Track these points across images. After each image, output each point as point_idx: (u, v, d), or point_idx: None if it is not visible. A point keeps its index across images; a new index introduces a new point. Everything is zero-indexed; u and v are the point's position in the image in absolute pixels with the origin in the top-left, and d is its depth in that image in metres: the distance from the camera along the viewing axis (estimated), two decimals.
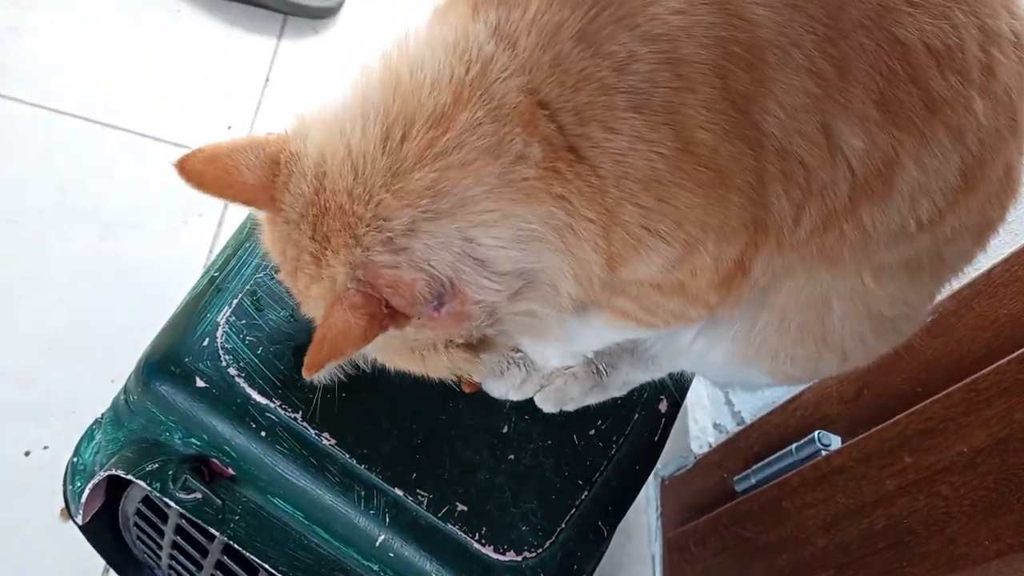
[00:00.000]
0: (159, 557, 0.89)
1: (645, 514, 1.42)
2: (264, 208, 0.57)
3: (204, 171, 0.55)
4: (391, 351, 0.60)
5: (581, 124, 0.48)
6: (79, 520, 0.82)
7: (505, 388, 0.75)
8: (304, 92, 1.59)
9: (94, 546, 0.90)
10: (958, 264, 0.61)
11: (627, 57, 0.47)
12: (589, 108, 0.48)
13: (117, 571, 0.99)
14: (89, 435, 0.82)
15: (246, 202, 0.57)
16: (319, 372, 0.52)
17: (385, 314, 0.51)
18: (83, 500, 0.77)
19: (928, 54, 0.49)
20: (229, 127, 1.52)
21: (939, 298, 0.92)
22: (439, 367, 0.60)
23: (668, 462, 1.42)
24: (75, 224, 1.35)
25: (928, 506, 0.82)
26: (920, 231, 0.55)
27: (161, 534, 0.81)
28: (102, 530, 0.89)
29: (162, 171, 1.54)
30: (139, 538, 0.90)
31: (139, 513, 0.82)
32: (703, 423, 1.38)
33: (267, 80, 1.60)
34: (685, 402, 1.41)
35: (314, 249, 0.53)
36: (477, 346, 0.58)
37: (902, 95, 0.49)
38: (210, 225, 1.41)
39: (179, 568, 0.88)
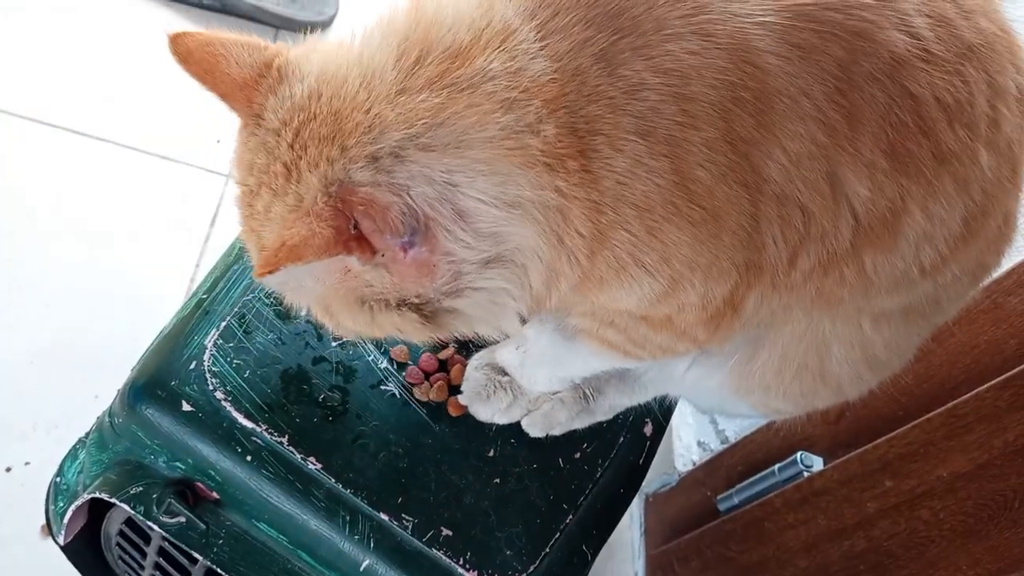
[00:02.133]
0: None
1: (629, 531, 1.42)
2: (239, 108, 0.54)
3: (193, 51, 0.54)
4: (339, 298, 0.55)
5: (592, 134, 0.48)
6: (61, 540, 0.81)
7: (491, 411, 0.75)
8: None
9: (75, 566, 0.89)
10: (952, 308, 0.62)
11: (638, 84, 0.47)
12: (598, 121, 0.48)
13: None
14: (73, 454, 0.82)
15: (223, 95, 0.54)
16: (271, 277, 0.48)
17: (352, 235, 0.48)
18: (65, 521, 0.77)
19: (939, 107, 0.50)
20: (218, 141, 1.51)
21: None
22: (386, 324, 0.55)
23: (652, 479, 1.43)
24: (64, 237, 1.34)
25: (908, 529, 0.83)
26: (923, 278, 0.56)
27: (144, 555, 0.81)
28: (84, 550, 0.89)
29: (150, 184, 1.53)
30: (121, 558, 0.89)
31: (122, 534, 0.82)
32: (687, 441, 1.39)
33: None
34: (670, 421, 1.42)
35: (288, 159, 0.50)
36: (428, 319, 0.55)
37: (911, 145, 0.50)
38: (197, 239, 1.41)
39: None
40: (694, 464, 1.35)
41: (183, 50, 0.54)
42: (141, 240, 1.38)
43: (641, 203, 0.49)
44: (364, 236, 0.48)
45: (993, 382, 0.78)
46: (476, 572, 0.68)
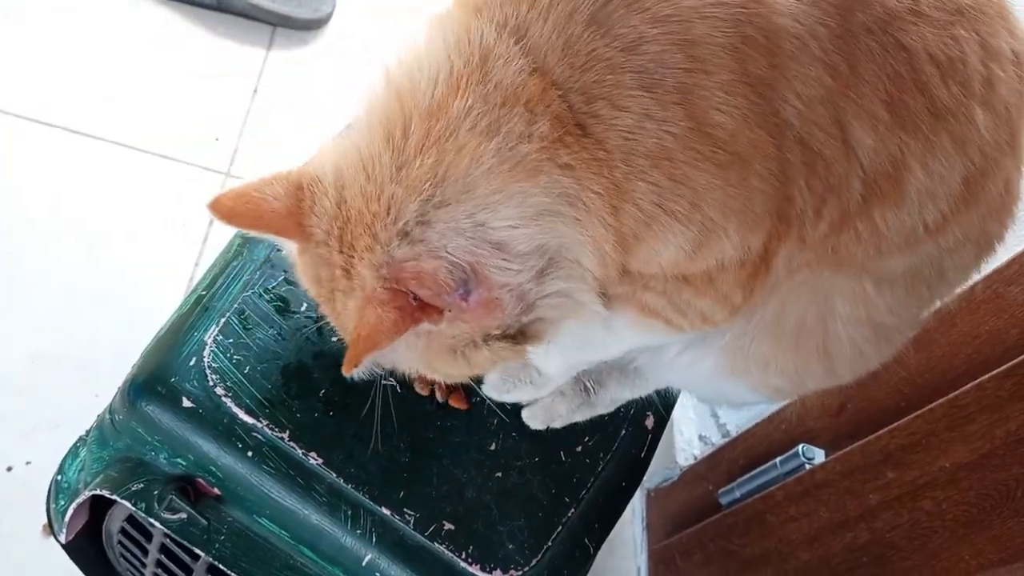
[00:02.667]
0: None
1: (631, 526, 1.42)
2: (295, 236, 0.57)
3: (234, 207, 0.57)
4: (433, 354, 0.59)
5: (588, 103, 0.49)
6: (62, 539, 0.81)
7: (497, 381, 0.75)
8: (293, 103, 1.59)
9: (77, 564, 0.89)
10: (956, 278, 0.62)
11: (637, 39, 0.47)
12: (597, 87, 0.48)
13: None
14: (73, 452, 0.81)
15: (277, 232, 0.58)
16: (357, 368, 0.53)
17: (415, 307, 0.51)
18: (67, 519, 0.76)
19: (931, 62, 0.50)
20: (216, 139, 1.52)
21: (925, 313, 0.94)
22: (484, 362, 0.59)
23: (654, 473, 1.43)
24: (63, 237, 1.34)
25: (911, 521, 0.83)
26: (928, 236, 0.55)
27: (145, 552, 0.80)
28: (85, 548, 0.88)
29: (148, 183, 1.53)
30: (123, 556, 0.89)
31: (123, 532, 0.82)
32: (689, 435, 1.39)
33: (255, 91, 1.60)
34: (671, 414, 1.42)
35: (343, 262, 0.54)
36: (517, 337, 0.58)
37: (908, 99, 0.50)
38: (196, 237, 1.41)
39: None
40: (695, 458, 1.35)
41: (226, 211, 0.57)
42: (140, 239, 1.38)
43: (656, 152, 0.49)
44: (426, 303, 0.52)
45: (995, 372, 0.78)
46: (479, 566, 0.68)
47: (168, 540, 0.75)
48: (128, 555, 0.87)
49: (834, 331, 0.61)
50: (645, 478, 1.46)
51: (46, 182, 1.39)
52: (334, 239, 0.54)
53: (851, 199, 0.52)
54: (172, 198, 1.44)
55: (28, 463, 1.15)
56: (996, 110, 0.54)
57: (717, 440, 1.34)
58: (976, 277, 0.86)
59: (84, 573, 0.93)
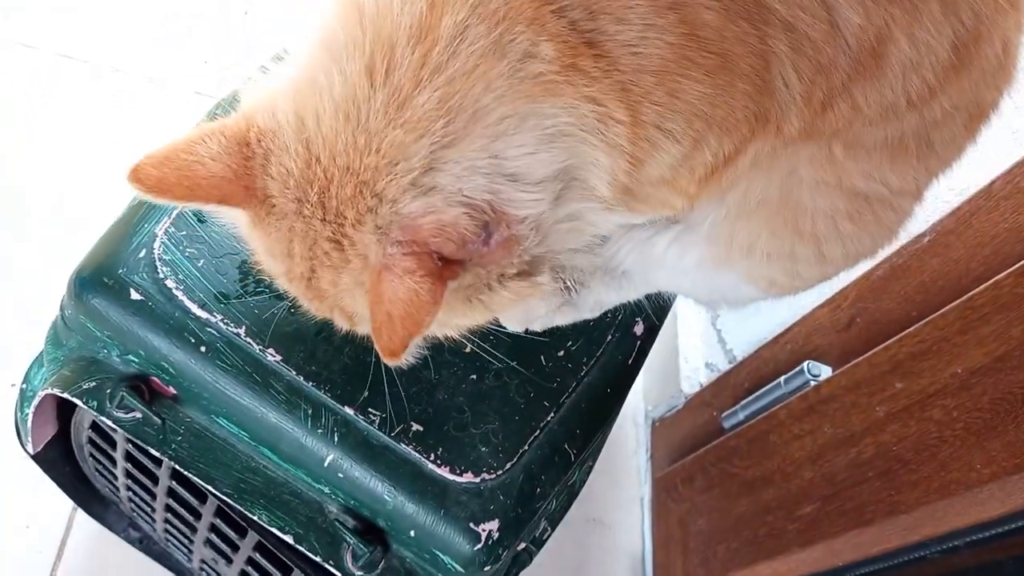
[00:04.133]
0: (118, 489, 0.86)
1: (635, 456, 1.39)
2: (242, 203, 0.49)
3: (163, 176, 0.47)
4: (447, 312, 0.53)
5: (592, 19, 0.44)
6: (30, 448, 0.79)
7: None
8: (286, 24, 1.53)
9: (52, 478, 0.88)
10: (947, 152, 0.56)
11: None
12: (597, 1, 0.44)
13: (81, 506, 0.97)
14: (38, 360, 0.79)
15: (220, 200, 0.48)
16: (404, 354, 0.47)
17: (441, 268, 0.46)
18: (29, 425, 0.74)
19: None
20: (205, 62, 1.47)
21: (936, 217, 0.88)
22: (504, 304, 0.54)
23: (659, 403, 1.38)
24: (54, 160, 1.31)
25: (919, 432, 0.78)
26: (910, 109, 0.51)
27: (114, 463, 0.78)
28: (59, 462, 0.87)
29: (134, 107, 1.49)
30: (97, 470, 0.87)
31: (92, 442, 0.79)
32: (694, 363, 1.34)
33: (246, 12, 1.54)
34: (676, 342, 1.37)
35: (331, 232, 0.47)
36: (530, 270, 0.53)
37: None
38: None
39: (138, 500, 0.85)
40: (701, 386, 1.30)
41: (153, 182, 0.47)
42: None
43: (658, 67, 0.45)
44: (450, 260, 0.46)
45: (1012, 268, 0.72)
46: (448, 468, 0.64)
47: (131, 447, 0.72)
48: (101, 468, 0.85)
49: (800, 200, 0.55)
50: (649, 408, 1.43)
51: (33, 104, 1.35)
52: (312, 206, 0.46)
53: (837, 79, 0.48)
54: (161, 122, 1.40)
55: (12, 385, 1.13)
56: None
57: (723, 367, 1.29)
58: (996, 171, 0.80)
59: (62, 489, 0.91)
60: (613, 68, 0.45)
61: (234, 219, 0.55)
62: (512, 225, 0.48)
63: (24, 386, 0.79)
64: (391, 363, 0.47)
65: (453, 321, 0.55)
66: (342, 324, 0.55)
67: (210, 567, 0.88)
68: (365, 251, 0.47)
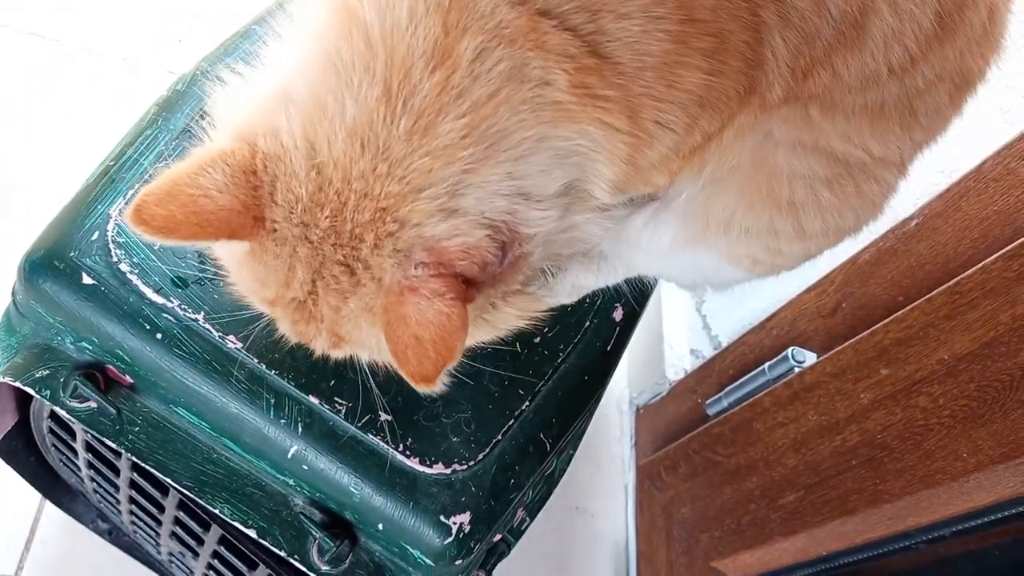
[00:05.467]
0: (83, 480, 0.83)
1: (619, 444, 1.37)
2: (249, 237, 0.46)
3: (169, 214, 0.44)
4: None
5: (593, 19, 0.43)
6: None
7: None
8: (264, 4, 1.49)
9: (15, 469, 0.85)
10: (931, 123, 0.54)
11: None
12: (598, 1, 0.43)
13: (47, 497, 0.95)
14: None
15: (230, 236, 0.46)
16: (439, 380, 0.45)
17: (465, 291, 0.45)
18: None
19: None
20: (180, 40, 1.43)
21: (924, 200, 0.86)
22: (509, 320, 0.53)
23: (643, 390, 1.36)
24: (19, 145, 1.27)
25: (904, 419, 0.76)
26: (891, 77, 0.49)
27: (76, 453, 0.75)
28: (21, 452, 0.84)
29: (104, 88, 1.45)
30: (61, 461, 0.84)
31: (52, 432, 0.76)
32: (679, 349, 1.32)
33: None
34: (661, 328, 1.35)
35: (342, 256, 0.45)
36: (527, 283, 0.53)
37: None
38: None
39: (102, 492, 0.82)
40: (686, 372, 1.28)
41: (160, 222, 0.43)
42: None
43: (658, 59, 0.44)
44: (470, 281, 0.46)
45: (1001, 252, 0.69)
46: (417, 459, 0.62)
47: (90, 437, 0.70)
48: (64, 459, 0.82)
49: (775, 164, 0.53)
50: (634, 395, 1.41)
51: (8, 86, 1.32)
52: (322, 231, 0.44)
53: (820, 49, 0.47)
54: (136, 102, 1.36)
55: None
56: None
57: (708, 353, 1.27)
58: (986, 152, 0.78)
59: (26, 480, 0.89)
60: (617, 74, 0.44)
61: (215, 246, 0.52)
62: (524, 244, 0.48)
63: None
64: (424, 390, 0.45)
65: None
66: (322, 347, 0.53)
67: (179, 560, 0.86)
68: (380, 274, 0.45)
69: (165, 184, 0.44)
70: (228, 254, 0.53)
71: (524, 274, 0.51)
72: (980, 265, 0.71)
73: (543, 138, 0.44)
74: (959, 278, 0.73)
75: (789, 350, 0.95)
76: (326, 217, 0.44)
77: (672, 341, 1.32)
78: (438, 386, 0.46)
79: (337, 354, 0.54)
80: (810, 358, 0.94)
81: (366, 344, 0.51)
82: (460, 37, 0.42)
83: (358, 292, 0.46)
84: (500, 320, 0.53)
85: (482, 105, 0.42)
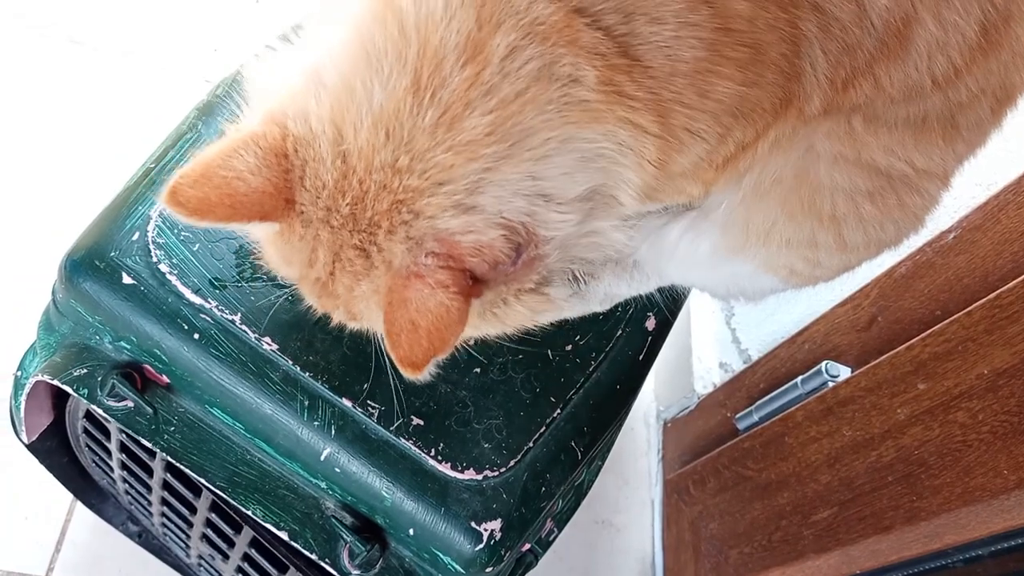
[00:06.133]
0: (115, 481, 0.84)
1: (646, 458, 1.36)
2: (283, 218, 0.47)
3: (204, 196, 0.44)
4: None
5: (626, 21, 0.43)
6: (24, 438, 0.77)
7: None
8: (298, 13, 1.51)
9: (48, 468, 0.86)
10: (973, 136, 0.53)
11: None
12: (632, 2, 0.42)
13: (78, 497, 0.96)
14: (33, 348, 0.77)
15: (263, 218, 0.46)
16: (425, 370, 0.45)
17: (471, 287, 0.45)
18: (22, 414, 0.72)
19: None
20: (215, 50, 1.45)
21: (962, 212, 0.84)
22: (518, 318, 0.53)
23: (671, 403, 1.35)
24: (60, 149, 1.30)
25: (943, 435, 0.75)
26: (935, 89, 0.48)
27: (110, 454, 0.76)
28: (56, 452, 0.85)
29: (142, 95, 1.47)
30: (94, 462, 0.85)
31: (87, 432, 0.77)
32: (708, 363, 1.30)
33: (257, 1, 1.53)
34: (689, 341, 1.34)
35: (359, 240, 0.45)
36: (543, 283, 0.52)
37: None
38: None
39: (134, 493, 0.83)
40: (714, 386, 1.27)
41: (195, 203, 0.44)
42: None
43: (691, 67, 0.44)
44: (479, 279, 0.46)
45: None
46: (449, 464, 0.62)
47: (125, 437, 0.70)
48: (98, 460, 0.83)
49: (817, 177, 0.52)
50: (662, 408, 1.40)
51: (37, 92, 1.34)
52: (342, 217, 0.45)
53: (862, 59, 0.47)
54: (171, 110, 1.38)
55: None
56: None
57: (738, 367, 1.25)
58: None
59: (58, 479, 0.90)
60: (647, 77, 0.43)
61: (247, 226, 0.52)
62: (540, 245, 0.47)
63: (19, 374, 0.77)
64: (410, 377, 0.45)
65: (468, 335, 0.54)
66: (342, 320, 0.53)
67: (207, 563, 0.86)
68: (391, 258, 0.45)
69: (199, 166, 0.45)
70: (260, 230, 0.53)
71: (539, 274, 0.50)
72: (1021, 278, 0.70)
73: (568, 139, 0.44)
74: (999, 291, 0.72)
75: (823, 364, 0.93)
76: (347, 204, 0.45)
77: (701, 354, 1.31)
78: (424, 375, 0.46)
79: (355, 325, 0.54)
80: (844, 372, 0.93)
81: (375, 325, 0.52)
82: (493, 32, 0.41)
83: (371, 275, 0.47)
84: (509, 317, 0.52)
85: (509, 103, 0.42)
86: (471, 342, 0.62)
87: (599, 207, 0.49)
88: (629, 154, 0.46)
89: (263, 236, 0.53)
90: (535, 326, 0.56)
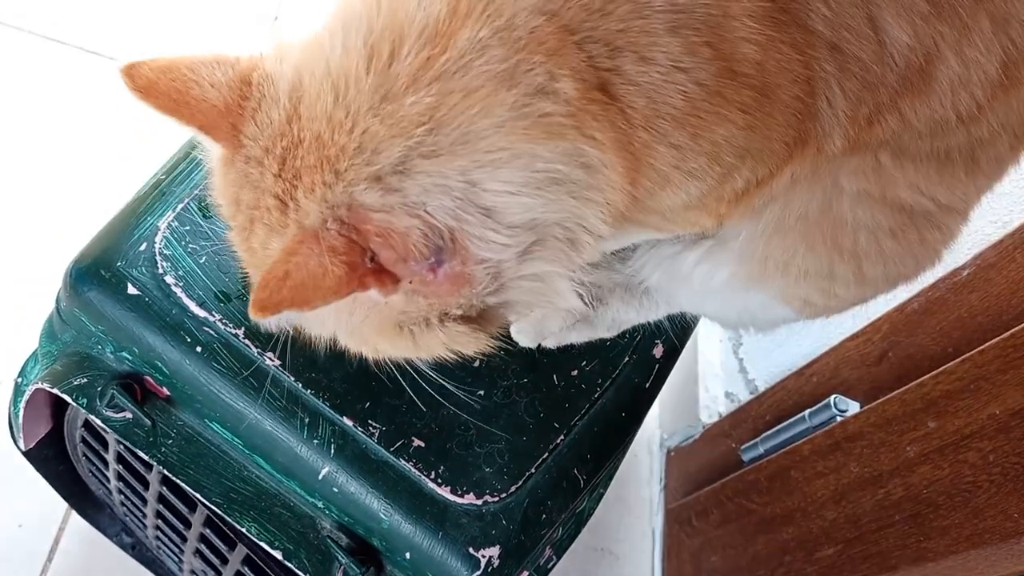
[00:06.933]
0: (111, 492, 0.83)
1: (648, 486, 1.34)
2: (222, 139, 0.47)
3: (157, 81, 0.46)
4: (371, 328, 0.50)
5: (612, 56, 0.42)
6: (21, 445, 0.76)
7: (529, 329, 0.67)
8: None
9: (45, 477, 0.85)
10: (993, 171, 0.53)
11: None
12: (622, 35, 0.41)
13: (74, 507, 0.95)
14: (35, 354, 0.76)
15: (202, 127, 0.47)
16: (271, 317, 0.42)
17: (369, 268, 0.43)
18: (20, 421, 0.71)
19: None
20: (276, 18, 1.46)
21: (976, 250, 0.84)
22: (433, 345, 0.51)
23: (675, 432, 1.34)
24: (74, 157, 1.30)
25: (952, 475, 0.73)
26: (959, 125, 0.48)
27: (106, 464, 0.75)
28: (52, 460, 0.84)
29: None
30: (91, 471, 0.84)
31: (84, 441, 0.77)
32: (714, 392, 1.29)
33: (276, 17, 1.54)
34: (696, 369, 1.33)
35: (280, 190, 0.44)
36: (477, 319, 0.50)
37: None
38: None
39: (129, 505, 0.82)
40: (720, 416, 1.25)
41: (143, 83, 0.46)
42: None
43: (682, 109, 0.43)
44: (383, 267, 0.43)
45: None
46: (449, 488, 0.61)
47: (122, 448, 0.69)
48: (94, 470, 0.82)
49: (840, 213, 0.52)
50: (665, 437, 1.38)
51: (44, 96, 1.35)
52: (273, 159, 0.45)
53: (885, 95, 0.46)
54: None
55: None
56: None
57: (744, 397, 1.24)
58: None
59: (54, 488, 0.89)
60: (621, 116, 0.43)
61: (208, 149, 0.52)
62: (468, 263, 0.45)
63: (19, 380, 0.77)
64: (253, 317, 0.42)
65: (376, 341, 0.52)
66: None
67: None
68: (304, 218, 0.44)
69: (169, 59, 0.46)
70: (215, 169, 0.52)
71: (469, 302, 0.48)
72: None
73: (520, 154, 0.42)
74: (1014, 331, 0.71)
75: (831, 398, 0.92)
76: (281, 148, 0.44)
77: (707, 383, 1.30)
78: (267, 322, 0.45)
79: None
80: (853, 407, 0.91)
81: None
82: (463, 25, 0.41)
83: (283, 234, 0.45)
84: (425, 341, 0.50)
85: (454, 94, 0.41)
86: (390, 361, 0.57)
87: (545, 249, 0.47)
88: (591, 190, 0.44)
89: (214, 167, 0.52)
90: (449, 358, 0.53)
